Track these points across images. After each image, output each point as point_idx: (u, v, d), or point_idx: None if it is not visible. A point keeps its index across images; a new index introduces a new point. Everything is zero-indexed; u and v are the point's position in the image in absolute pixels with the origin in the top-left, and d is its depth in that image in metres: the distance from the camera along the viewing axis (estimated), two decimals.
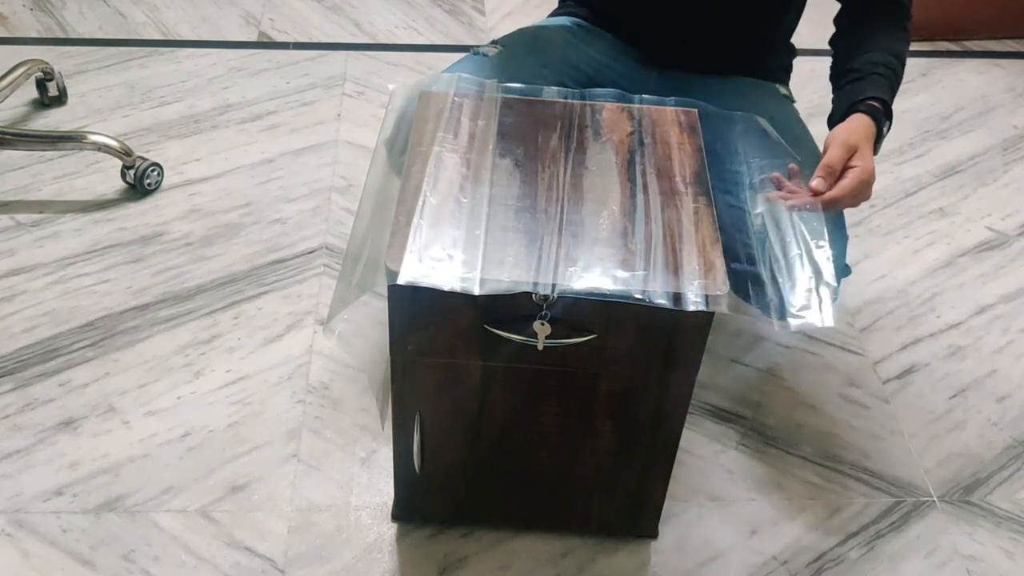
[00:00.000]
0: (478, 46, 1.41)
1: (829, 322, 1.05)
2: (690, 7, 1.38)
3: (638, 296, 0.99)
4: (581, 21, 1.48)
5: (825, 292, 1.08)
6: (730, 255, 1.12)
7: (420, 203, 1.07)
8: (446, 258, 1.01)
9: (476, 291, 0.98)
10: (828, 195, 1.17)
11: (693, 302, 0.99)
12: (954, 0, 2.44)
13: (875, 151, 1.23)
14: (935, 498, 1.40)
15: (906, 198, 1.96)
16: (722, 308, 1.00)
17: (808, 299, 1.07)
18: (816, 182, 1.18)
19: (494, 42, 1.42)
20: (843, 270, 1.29)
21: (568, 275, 1.00)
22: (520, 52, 1.39)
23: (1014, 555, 1.33)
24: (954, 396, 1.56)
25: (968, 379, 1.59)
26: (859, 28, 1.33)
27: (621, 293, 0.99)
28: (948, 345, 1.64)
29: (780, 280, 1.10)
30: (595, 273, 1.01)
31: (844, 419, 1.51)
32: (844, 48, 1.34)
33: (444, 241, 1.03)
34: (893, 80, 1.28)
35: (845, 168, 1.19)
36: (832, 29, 1.39)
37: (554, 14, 1.54)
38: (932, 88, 2.31)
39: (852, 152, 1.19)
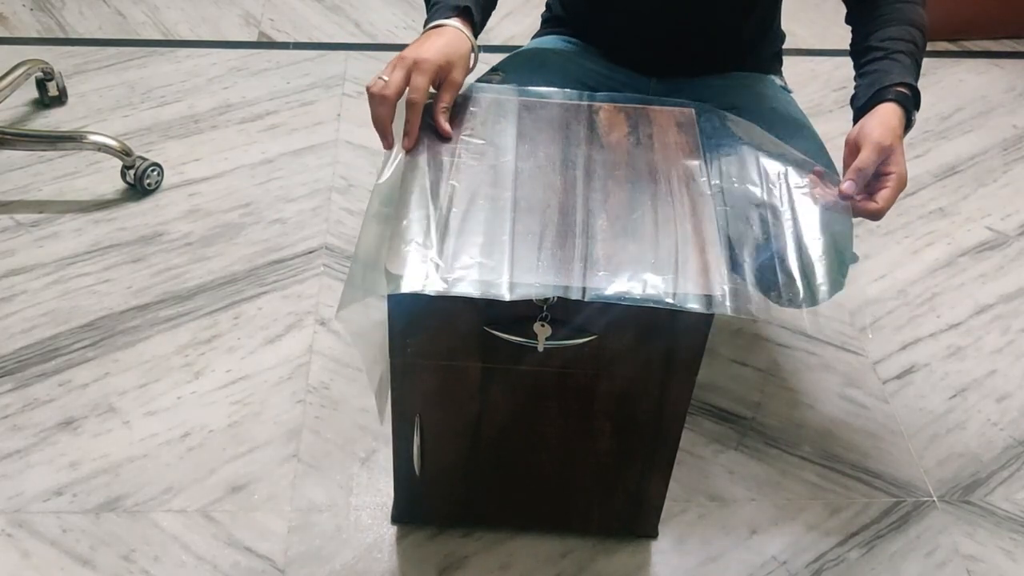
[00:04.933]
0: (481, 77, 1.41)
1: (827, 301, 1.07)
2: (677, 14, 1.37)
3: (669, 301, 0.98)
4: (570, 39, 1.48)
5: (836, 277, 1.08)
6: (738, 247, 1.12)
7: (430, 208, 1.07)
8: (469, 263, 1.00)
9: (507, 296, 0.97)
10: (872, 208, 1.15)
11: (693, 298, 0.99)
12: (954, 0, 2.43)
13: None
14: (935, 498, 1.40)
15: (906, 198, 1.96)
16: (723, 310, 1.00)
17: (821, 280, 1.08)
18: (847, 185, 1.15)
19: (494, 69, 1.42)
20: (850, 257, 1.28)
21: (574, 277, 1.00)
22: (522, 73, 1.39)
23: (1014, 555, 1.33)
24: (954, 396, 1.56)
25: (968, 379, 1.59)
26: (873, 1, 1.29)
27: (652, 298, 0.98)
28: (948, 345, 1.64)
29: (789, 268, 1.10)
30: (598, 276, 1.00)
31: (844, 419, 1.51)
32: (861, 24, 1.29)
33: (470, 250, 1.02)
34: (917, 55, 1.24)
35: (878, 173, 1.15)
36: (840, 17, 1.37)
37: (538, 35, 1.54)
38: (932, 88, 2.30)
39: (886, 155, 1.15)
